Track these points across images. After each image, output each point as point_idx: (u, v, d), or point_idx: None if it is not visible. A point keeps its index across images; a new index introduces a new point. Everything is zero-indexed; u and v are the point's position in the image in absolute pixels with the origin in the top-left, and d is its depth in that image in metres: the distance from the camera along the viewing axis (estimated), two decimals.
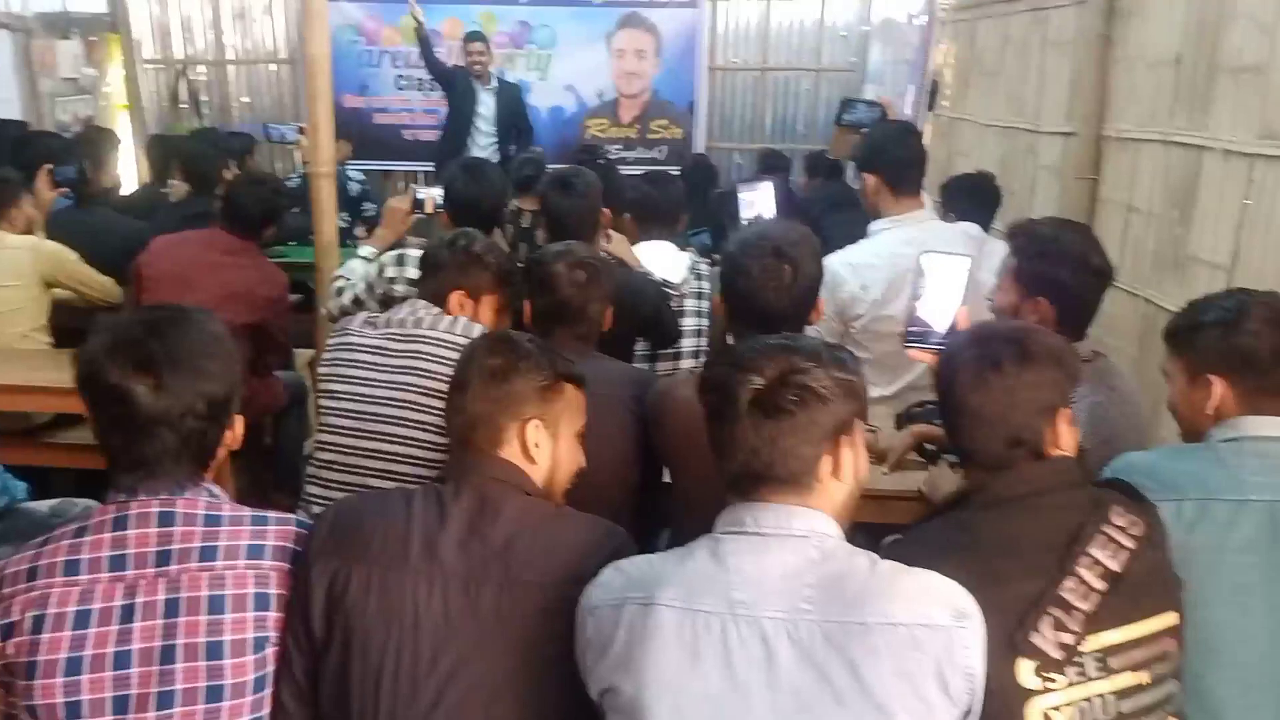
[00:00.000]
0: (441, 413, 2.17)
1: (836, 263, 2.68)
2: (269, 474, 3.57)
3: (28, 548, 1.36)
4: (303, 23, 6.79)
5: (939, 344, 1.70)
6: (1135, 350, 3.10)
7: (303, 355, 3.86)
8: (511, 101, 6.32)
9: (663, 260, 3.09)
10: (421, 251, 2.94)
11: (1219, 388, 1.55)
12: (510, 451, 1.52)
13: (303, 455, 3.69)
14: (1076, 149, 3.49)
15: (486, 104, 6.21)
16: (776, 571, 1.19)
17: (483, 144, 6.17)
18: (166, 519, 1.34)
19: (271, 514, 1.44)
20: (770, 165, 5.23)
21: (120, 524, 1.33)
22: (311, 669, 1.40)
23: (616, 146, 7.24)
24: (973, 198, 3.66)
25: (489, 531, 1.41)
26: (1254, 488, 1.45)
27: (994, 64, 4.71)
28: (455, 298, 2.36)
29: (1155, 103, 3.11)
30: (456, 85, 6.24)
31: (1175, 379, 1.66)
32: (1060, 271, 1.92)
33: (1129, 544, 1.32)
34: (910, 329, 1.71)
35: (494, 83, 6.26)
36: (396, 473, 2.14)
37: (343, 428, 2.18)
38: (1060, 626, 1.27)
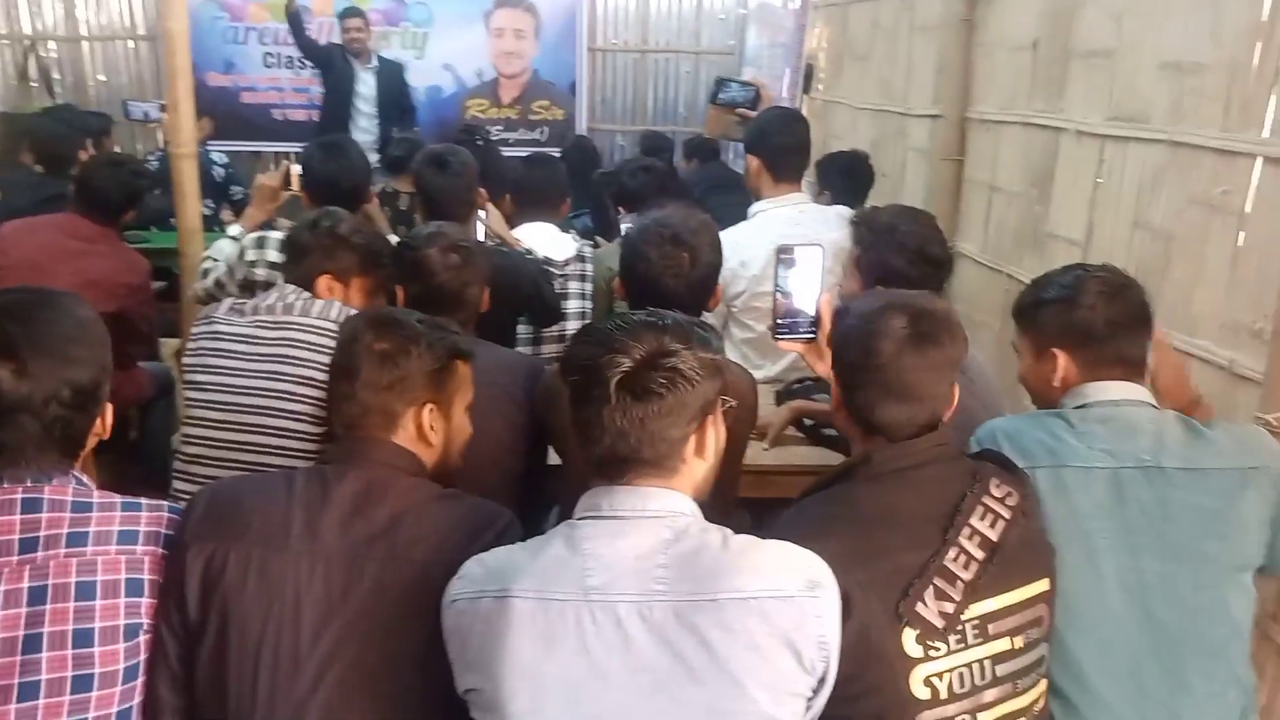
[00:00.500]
0: (315, 401, 2.12)
1: None
2: (134, 468, 3.42)
3: None
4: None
5: (808, 333, 1.73)
6: (999, 324, 3.25)
7: (168, 345, 3.69)
8: (393, 80, 6.17)
9: (544, 242, 3.07)
10: (283, 234, 2.87)
11: (1062, 360, 1.62)
12: (403, 436, 1.50)
13: (169, 449, 3.53)
14: (943, 131, 3.62)
15: (367, 83, 6.05)
16: (630, 554, 1.19)
17: (364, 125, 6.02)
18: (32, 505, 1.29)
19: (144, 500, 1.40)
20: (653, 147, 5.24)
21: None
22: (186, 655, 1.36)
23: (498, 127, 7.14)
24: (846, 177, 3.75)
25: (373, 512, 1.40)
26: (1099, 456, 1.52)
27: (865, 48, 4.84)
28: (323, 281, 2.29)
29: (1015, 86, 3.24)
30: (334, 65, 6.05)
31: (1024, 354, 1.72)
32: (897, 260, 1.98)
33: (1005, 514, 1.37)
34: (778, 320, 1.72)
35: (374, 61, 6.10)
36: (268, 464, 2.06)
37: (211, 420, 2.09)
38: (943, 596, 1.31)
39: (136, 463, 3.44)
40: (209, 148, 5.02)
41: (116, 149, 5.52)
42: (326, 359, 2.14)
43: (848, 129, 4.96)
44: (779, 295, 1.71)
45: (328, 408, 1.58)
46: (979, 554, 1.33)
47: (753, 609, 1.14)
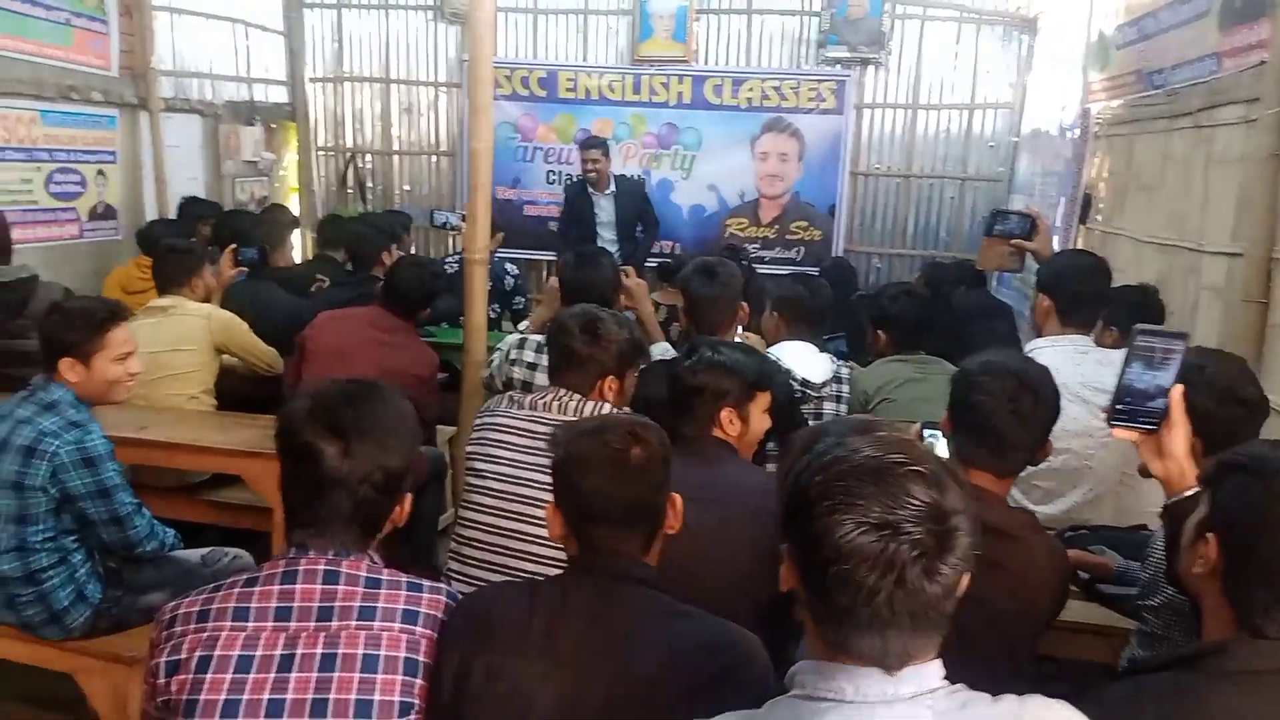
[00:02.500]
0: None
1: None
2: (403, 547, 3.66)
3: (201, 591, 1.44)
4: (464, 119, 7.27)
5: (1148, 423, 1.59)
6: None
7: (444, 432, 3.97)
8: (633, 199, 6.44)
9: (804, 360, 3.09)
10: (537, 338, 3.09)
11: None
12: (634, 544, 1.51)
13: (437, 530, 3.78)
14: (1244, 270, 3.33)
15: (606, 209, 6.36)
16: None
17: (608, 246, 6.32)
18: (331, 577, 1.41)
19: (425, 582, 1.49)
20: (936, 278, 5.16)
21: (289, 577, 1.40)
22: None
23: (754, 246, 7.31)
24: (1134, 312, 3.51)
25: (608, 625, 1.40)
26: None
27: (1153, 179, 4.58)
28: (607, 383, 2.40)
29: None
30: (573, 202, 6.46)
31: None
32: (1204, 400, 1.82)
33: None
34: (1118, 404, 1.57)
35: (611, 186, 6.37)
36: (535, 554, 2.17)
37: (486, 506, 2.23)
38: None
39: (405, 541, 3.69)
40: (499, 256, 5.45)
41: (412, 249, 6.11)
42: None
43: (1130, 263, 4.67)
44: (1126, 376, 1.57)
45: (564, 506, 1.54)
46: None
47: None
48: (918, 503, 1.01)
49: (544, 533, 2.17)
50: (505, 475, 2.24)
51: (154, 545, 2.44)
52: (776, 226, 7.35)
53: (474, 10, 3.47)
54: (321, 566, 1.41)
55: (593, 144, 6.32)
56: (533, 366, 3.12)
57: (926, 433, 2.20)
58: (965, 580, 1.07)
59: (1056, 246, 4.10)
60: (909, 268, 7.32)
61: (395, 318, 3.55)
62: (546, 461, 2.21)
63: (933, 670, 1.07)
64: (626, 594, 1.44)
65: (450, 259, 5.32)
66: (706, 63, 7.29)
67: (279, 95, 7.39)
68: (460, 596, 1.54)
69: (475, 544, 2.22)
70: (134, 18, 5.64)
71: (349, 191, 7.76)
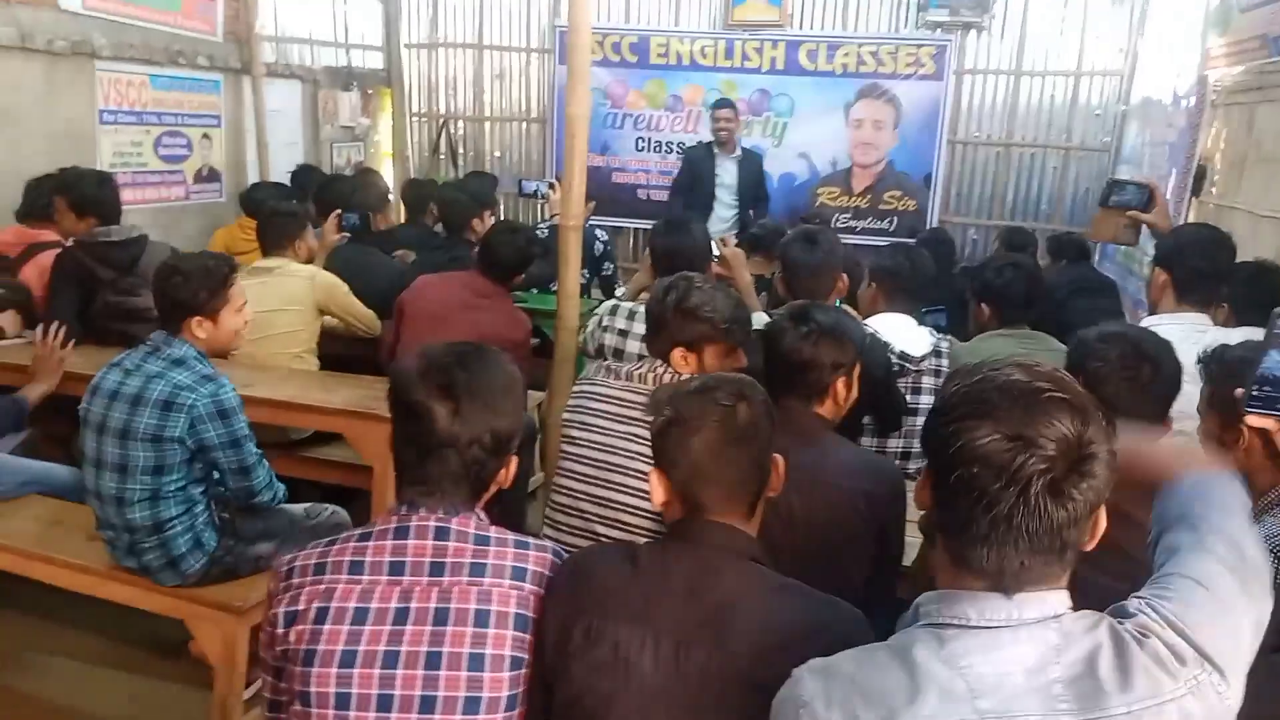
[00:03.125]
0: None
1: None
2: (492, 508, 3.73)
3: (316, 544, 1.48)
4: (556, 85, 7.28)
5: None
6: None
7: (534, 396, 4.01)
8: (754, 170, 6.39)
9: (902, 333, 3.02)
10: (630, 305, 3.10)
11: None
12: (739, 508, 1.48)
13: (527, 494, 3.83)
14: None
15: (730, 171, 6.29)
16: (1018, 669, 1.03)
17: (724, 214, 6.26)
18: (442, 533, 1.44)
19: (532, 539, 1.52)
20: (1016, 243, 5.00)
21: (401, 533, 1.43)
22: (545, 703, 1.44)
23: (846, 215, 7.20)
24: (1250, 289, 3.35)
25: (706, 596, 1.39)
26: None
27: (1274, 150, 4.35)
28: (677, 353, 2.38)
29: None
30: (693, 160, 6.39)
31: None
32: None
33: None
34: (1254, 391, 1.47)
35: (738, 151, 6.32)
36: (625, 523, 2.18)
37: (580, 474, 2.25)
38: None
39: (496, 502, 3.75)
40: (589, 223, 5.45)
41: (500, 214, 6.16)
42: None
43: (1247, 238, 4.45)
44: (1266, 362, 1.47)
45: (665, 469, 1.51)
46: None
47: (1169, 713, 1.02)
48: (1057, 426, 1.03)
49: (637, 502, 2.20)
50: (599, 444, 2.25)
51: (269, 496, 2.53)
52: (869, 196, 7.20)
53: None
54: (432, 523, 1.44)
55: (724, 104, 6.28)
56: (624, 334, 3.13)
57: None
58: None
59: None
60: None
61: (490, 283, 3.59)
62: (641, 431, 2.24)
63: (1057, 598, 1.07)
64: (727, 566, 1.42)
65: (542, 225, 5.34)
66: (801, 27, 7.15)
67: (375, 61, 7.49)
68: (565, 554, 1.56)
69: (568, 510, 2.24)
70: None
71: (441, 157, 7.85)
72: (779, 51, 7.12)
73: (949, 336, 3.16)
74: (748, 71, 7.20)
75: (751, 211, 6.30)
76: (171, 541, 2.43)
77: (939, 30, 6.90)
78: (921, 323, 3.18)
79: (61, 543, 2.74)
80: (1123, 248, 6.02)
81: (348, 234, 4.31)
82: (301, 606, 1.40)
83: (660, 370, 2.34)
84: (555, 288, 5.03)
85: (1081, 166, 6.94)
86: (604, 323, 3.20)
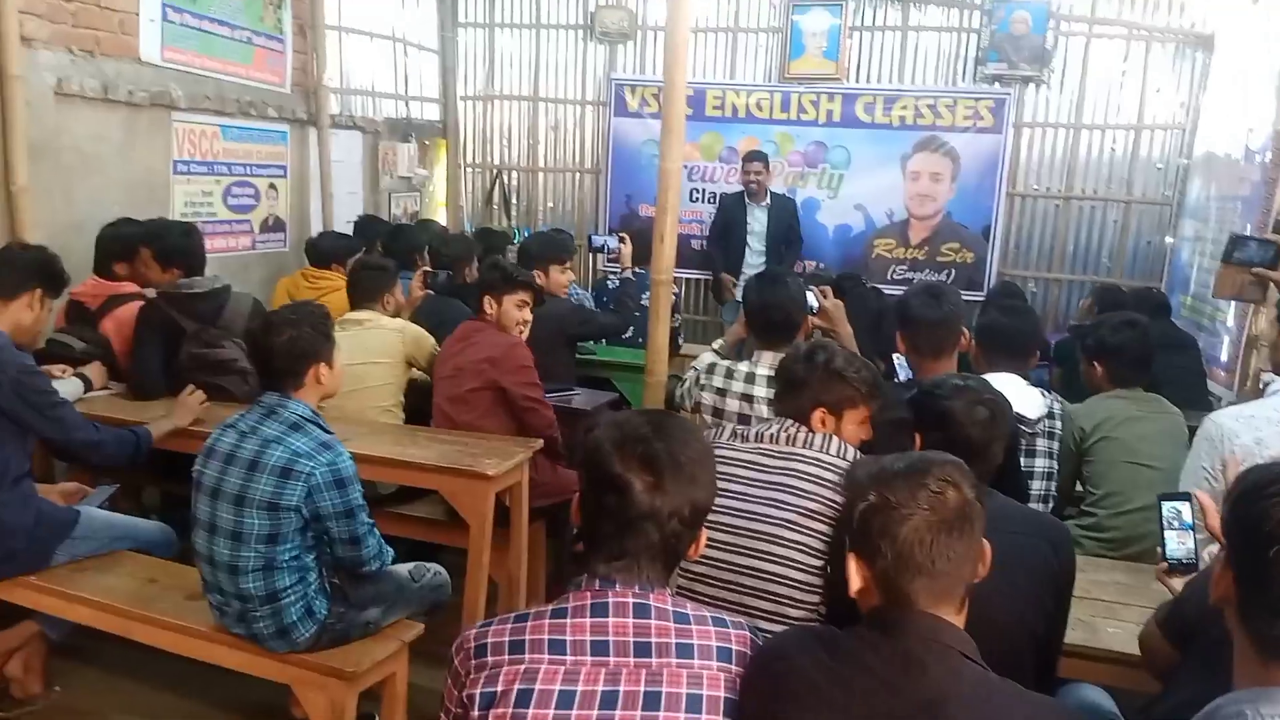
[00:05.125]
0: (818, 535, 2.13)
1: (1227, 417, 2.57)
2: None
3: (503, 620, 1.41)
4: (609, 136, 7.33)
5: None
6: None
7: None
8: (784, 215, 6.53)
9: (1014, 393, 2.94)
10: (727, 362, 3.06)
11: None
12: (951, 602, 1.39)
13: None
14: None
15: (759, 220, 6.46)
16: None
17: (752, 260, 6.42)
18: (642, 610, 1.37)
19: (727, 616, 1.45)
20: (1112, 301, 4.91)
21: (599, 610, 1.36)
22: None
23: (903, 267, 7.15)
24: None
25: (911, 690, 1.30)
26: None
27: None
28: (818, 415, 2.34)
29: None
30: (726, 210, 6.62)
31: None
32: None
33: None
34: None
35: (767, 199, 6.49)
36: (774, 593, 2.10)
37: (719, 542, 2.16)
38: None
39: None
40: (643, 273, 5.41)
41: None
42: (829, 493, 2.16)
43: None
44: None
45: (863, 556, 1.42)
46: None
47: None
48: None
49: (784, 572, 2.11)
50: (739, 510, 2.17)
51: (378, 565, 2.45)
52: (926, 248, 7.15)
53: (670, 32, 3.45)
54: (631, 600, 1.37)
55: (756, 156, 6.49)
56: (721, 392, 3.08)
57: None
58: None
59: None
60: (1066, 293, 7.06)
61: (473, 321, 3.59)
62: (783, 496, 2.17)
63: None
64: (933, 660, 1.32)
65: (612, 277, 5.31)
66: (858, 81, 7.16)
67: (432, 113, 7.55)
68: (758, 634, 1.48)
69: (707, 580, 2.15)
70: (307, 37, 5.83)
71: (494, 207, 7.87)
72: (835, 104, 7.13)
73: (1058, 397, 3.08)
74: (804, 124, 7.21)
75: (782, 253, 6.43)
76: (284, 611, 2.36)
77: (997, 83, 6.90)
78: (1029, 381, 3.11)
79: (160, 602, 2.68)
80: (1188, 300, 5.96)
81: (432, 291, 4.31)
82: (500, 688, 1.32)
83: (794, 431, 2.28)
84: (626, 336, 5.08)
85: (1143, 220, 6.88)
86: (701, 380, 3.14)
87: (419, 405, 3.74)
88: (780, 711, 1.34)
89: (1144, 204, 6.86)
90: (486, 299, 3.50)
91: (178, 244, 3.75)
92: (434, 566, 2.80)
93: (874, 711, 1.30)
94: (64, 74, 4.19)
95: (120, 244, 3.87)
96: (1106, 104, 6.82)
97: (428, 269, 4.21)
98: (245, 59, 5.37)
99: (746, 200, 6.48)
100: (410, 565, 2.74)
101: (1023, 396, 2.96)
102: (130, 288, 3.86)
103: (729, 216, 6.58)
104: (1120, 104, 6.79)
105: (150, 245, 3.78)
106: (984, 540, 1.45)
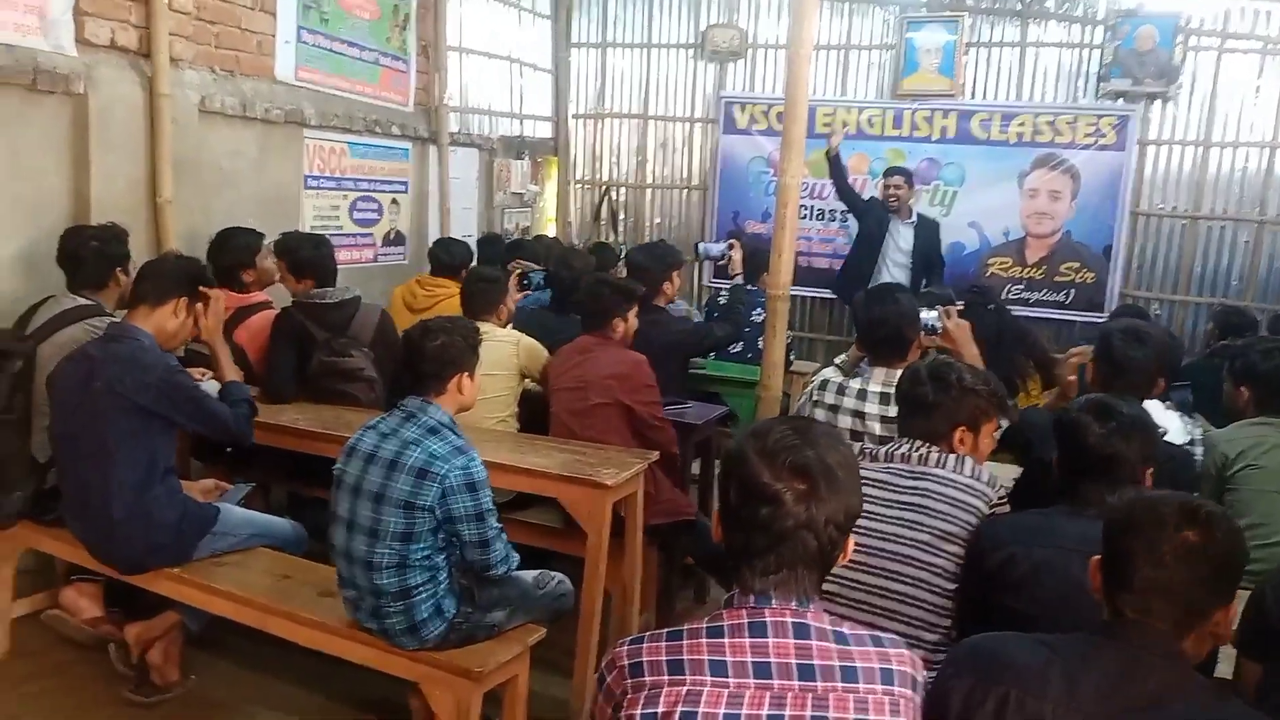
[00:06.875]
0: (953, 557, 2.09)
1: None
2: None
3: (656, 638, 1.39)
4: (717, 153, 7.36)
5: None
6: None
7: None
8: (930, 237, 6.36)
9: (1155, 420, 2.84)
10: (839, 380, 3.03)
11: None
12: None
13: None
14: None
15: (904, 237, 6.28)
16: None
17: (896, 275, 6.18)
18: (801, 631, 1.34)
19: (885, 636, 1.42)
20: (1231, 325, 4.70)
21: (757, 630, 1.33)
22: None
23: (1019, 287, 6.97)
24: None
25: (1134, 687, 1.36)
26: None
27: None
28: (958, 434, 2.31)
29: None
30: (869, 215, 6.35)
31: None
32: None
33: None
34: None
35: (913, 217, 6.32)
36: (906, 615, 2.07)
37: (849, 561, 2.13)
38: None
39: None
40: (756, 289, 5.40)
41: None
42: (964, 515, 2.12)
43: None
44: None
45: (1109, 582, 1.48)
46: None
47: None
48: None
49: (917, 593, 2.08)
50: (869, 529, 2.15)
51: (504, 569, 2.50)
52: (1044, 267, 6.97)
53: (793, 48, 3.47)
54: (789, 619, 1.34)
55: (894, 171, 6.36)
56: (834, 409, 3.04)
57: None
58: None
59: None
60: (1193, 315, 6.78)
61: (591, 336, 3.65)
62: (913, 516, 2.14)
63: None
64: (1158, 663, 1.38)
65: (723, 291, 5.31)
66: (973, 97, 7.03)
67: (544, 131, 7.69)
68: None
69: (837, 599, 2.13)
70: (429, 57, 6.02)
71: (602, 223, 7.96)
72: (950, 121, 7.02)
73: (1201, 420, 2.96)
74: (916, 140, 7.11)
75: (925, 280, 6.20)
76: (415, 608, 2.42)
77: (1120, 99, 6.69)
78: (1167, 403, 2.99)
79: (295, 598, 2.77)
80: None
81: (528, 291, 4.40)
82: (662, 709, 1.30)
83: (925, 451, 2.25)
84: (734, 351, 5.07)
85: (1277, 241, 6.58)
86: (815, 397, 3.12)
87: (530, 416, 3.80)
88: (999, 689, 1.41)
89: (1278, 225, 6.55)
90: (616, 319, 3.56)
91: (310, 255, 3.90)
92: (558, 575, 2.84)
93: (1101, 701, 1.36)
94: (207, 92, 4.42)
95: (250, 253, 4.03)
96: (1239, 120, 6.55)
97: (520, 270, 4.29)
98: (372, 79, 5.57)
99: (888, 215, 6.28)
100: (535, 572, 2.78)
101: (1164, 423, 2.85)
102: (258, 297, 4.02)
103: (870, 222, 6.34)
104: (1254, 121, 6.51)
105: (284, 257, 3.94)
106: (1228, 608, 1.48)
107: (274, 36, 4.83)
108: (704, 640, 1.34)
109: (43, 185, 3.75)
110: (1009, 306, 5.79)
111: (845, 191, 6.48)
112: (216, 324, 3.20)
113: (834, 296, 7.25)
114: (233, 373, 3.25)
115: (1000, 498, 2.19)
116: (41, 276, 3.58)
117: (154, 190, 4.15)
